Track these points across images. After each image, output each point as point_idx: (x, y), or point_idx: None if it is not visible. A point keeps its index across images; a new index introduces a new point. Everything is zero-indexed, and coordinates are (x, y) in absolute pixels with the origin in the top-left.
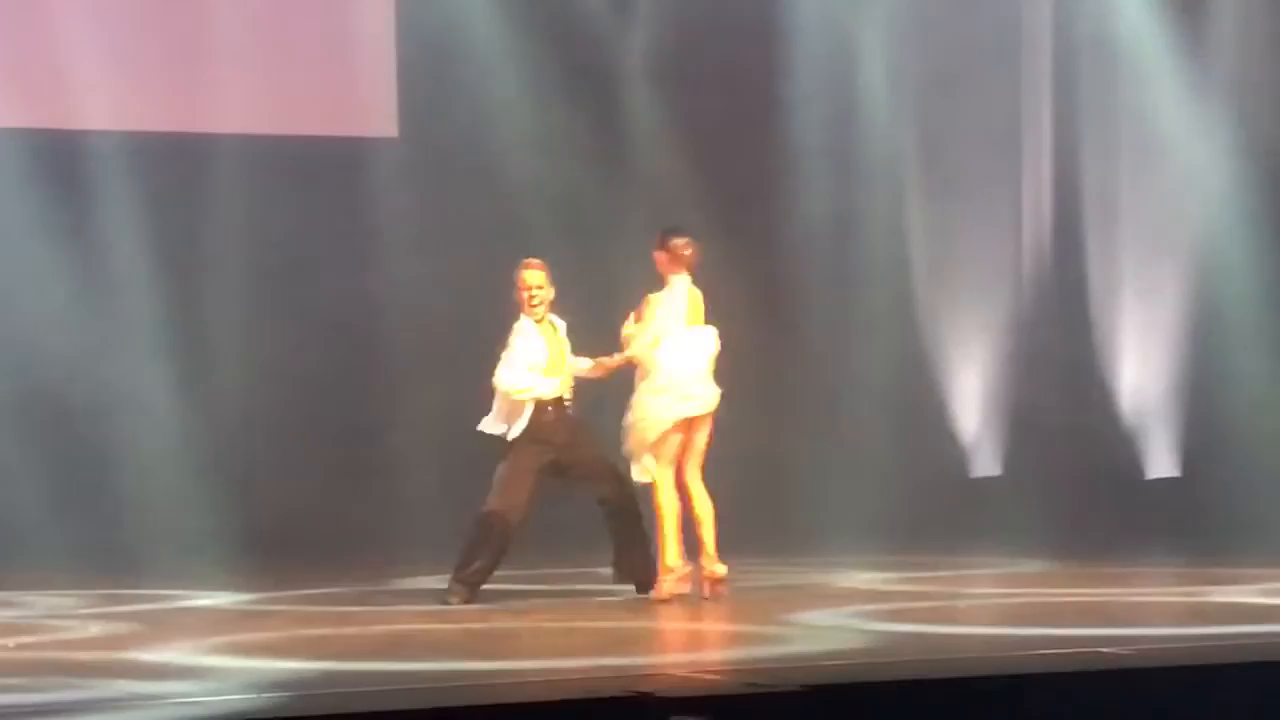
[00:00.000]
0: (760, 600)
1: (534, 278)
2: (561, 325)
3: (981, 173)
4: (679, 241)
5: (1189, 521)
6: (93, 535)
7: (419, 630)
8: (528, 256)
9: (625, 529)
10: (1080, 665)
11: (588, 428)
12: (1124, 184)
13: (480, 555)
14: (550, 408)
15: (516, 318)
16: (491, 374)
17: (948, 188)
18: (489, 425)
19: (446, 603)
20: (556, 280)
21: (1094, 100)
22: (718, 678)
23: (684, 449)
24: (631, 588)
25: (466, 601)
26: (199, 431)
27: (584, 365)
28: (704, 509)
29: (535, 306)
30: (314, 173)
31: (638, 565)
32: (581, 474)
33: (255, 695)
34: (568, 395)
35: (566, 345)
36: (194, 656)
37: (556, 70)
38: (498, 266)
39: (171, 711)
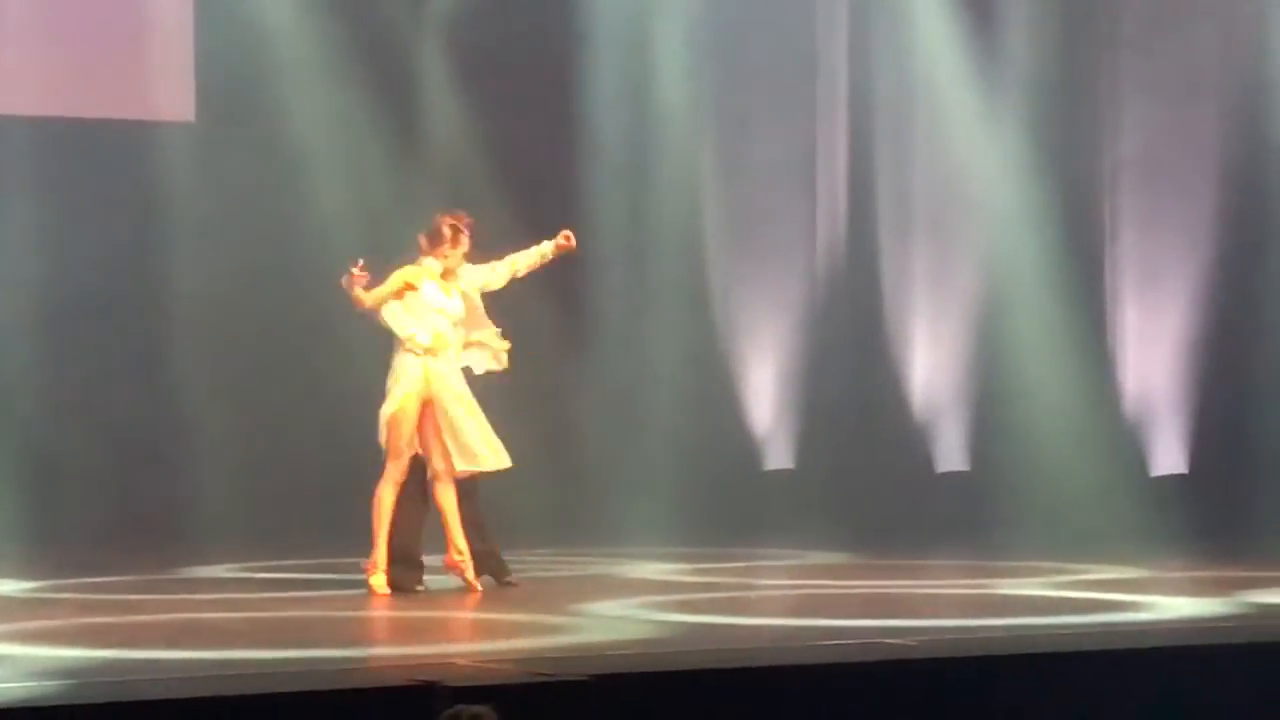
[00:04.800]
0: (549, 590)
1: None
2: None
3: (776, 168)
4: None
5: (978, 515)
6: None
7: (206, 619)
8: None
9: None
10: (864, 656)
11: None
12: (917, 181)
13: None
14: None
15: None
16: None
17: (742, 181)
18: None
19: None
20: (358, 266)
21: (888, 100)
22: (503, 667)
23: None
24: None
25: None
26: None
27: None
28: None
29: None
30: (107, 157)
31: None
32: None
33: (38, 683)
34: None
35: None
36: None
37: (355, 56)
38: (294, 252)
39: None
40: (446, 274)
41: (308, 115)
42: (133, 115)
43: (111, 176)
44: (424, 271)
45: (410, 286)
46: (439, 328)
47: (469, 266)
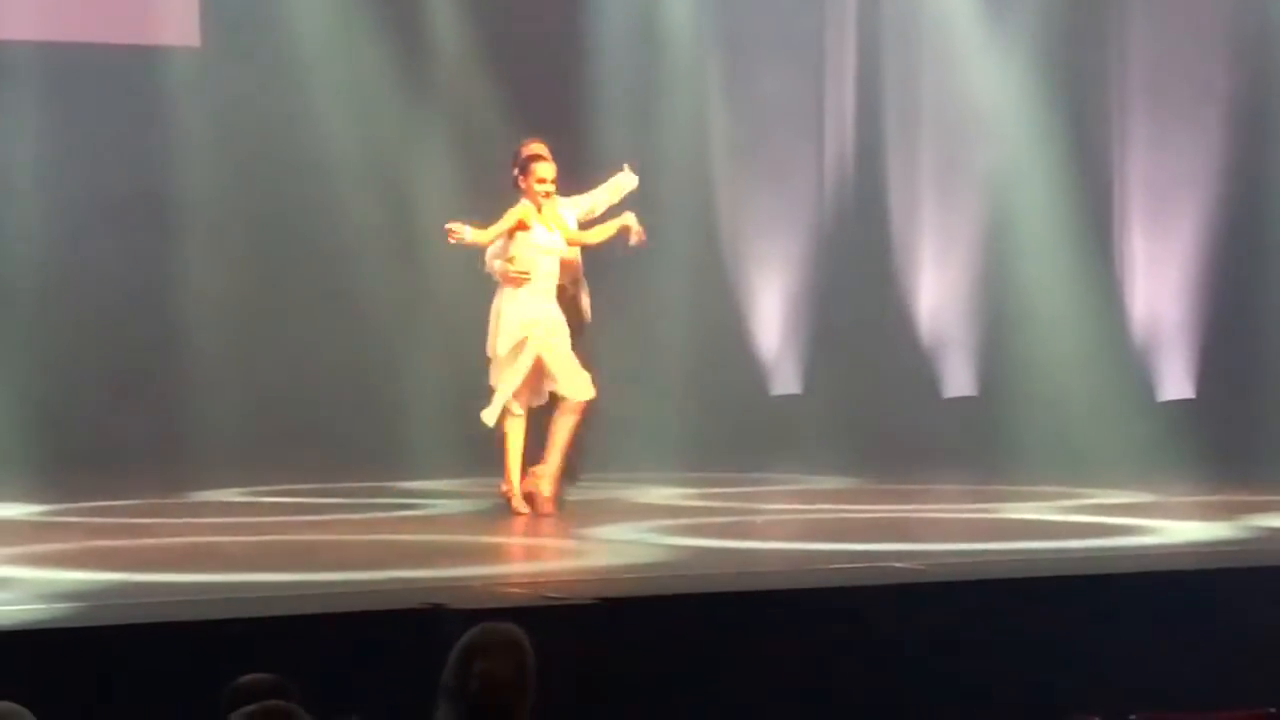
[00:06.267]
0: (558, 514)
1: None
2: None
3: (785, 96)
4: None
5: (985, 440)
6: None
7: (213, 543)
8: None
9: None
10: (872, 579)
11: None
12: (925, 107)
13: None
14: None
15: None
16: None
17: (750, 108)
18: None
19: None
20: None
21: (896, 26)
22: (513, 590)
23: None
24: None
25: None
26: None
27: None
28: None
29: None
30: (112, 82)
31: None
32: None
33: (47, 605)
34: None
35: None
36: None
37: None
38: (301, 175)
39: None
40: (541, 209)
41: (313, 39)
42: (138, 40)
43: (116, 102)
44: (529, 211)
45: (523, 225)
46: (542, 265)
47: (565, 201)
